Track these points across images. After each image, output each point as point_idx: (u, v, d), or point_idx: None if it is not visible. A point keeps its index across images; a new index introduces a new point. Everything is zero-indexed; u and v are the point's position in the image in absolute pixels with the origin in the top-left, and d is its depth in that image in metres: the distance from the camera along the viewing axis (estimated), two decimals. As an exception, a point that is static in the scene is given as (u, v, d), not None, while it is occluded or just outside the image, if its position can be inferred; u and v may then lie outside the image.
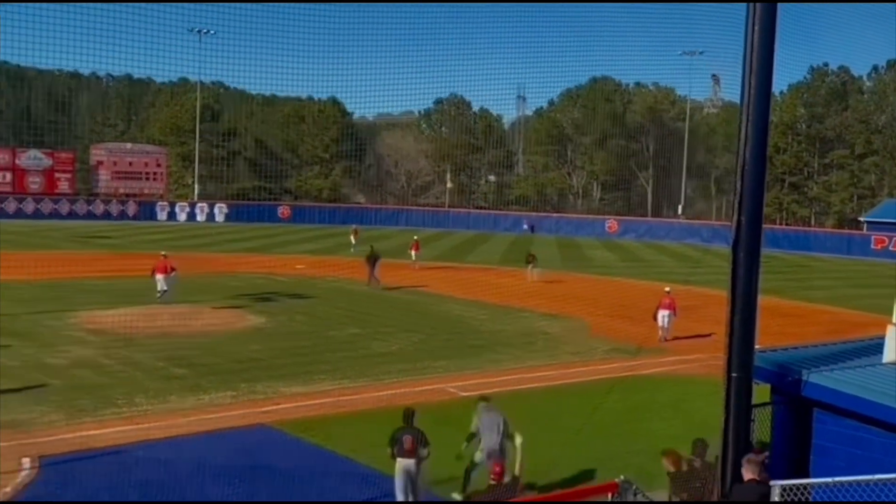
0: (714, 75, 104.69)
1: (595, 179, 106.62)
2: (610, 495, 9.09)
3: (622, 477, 9.33)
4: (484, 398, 13.89)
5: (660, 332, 28.14)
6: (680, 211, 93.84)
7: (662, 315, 28.34)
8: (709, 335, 28.35)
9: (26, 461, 14.11)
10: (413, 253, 47.70)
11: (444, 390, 20.34)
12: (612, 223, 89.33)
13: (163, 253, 32.89)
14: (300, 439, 15.86)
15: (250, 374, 21.13)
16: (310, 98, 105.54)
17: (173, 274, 32.09)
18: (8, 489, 12.95)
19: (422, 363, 23.28)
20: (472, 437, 13.30)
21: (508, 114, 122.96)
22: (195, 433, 16.13)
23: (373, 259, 39.31)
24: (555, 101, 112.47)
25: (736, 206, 9.67)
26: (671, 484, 11.27)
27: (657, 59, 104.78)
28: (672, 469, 11.35)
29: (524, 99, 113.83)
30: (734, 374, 9.71)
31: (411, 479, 12.47)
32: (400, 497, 12.47)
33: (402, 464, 12.47)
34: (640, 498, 9.44)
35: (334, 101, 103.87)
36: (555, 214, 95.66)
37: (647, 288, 40.54)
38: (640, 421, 18.31)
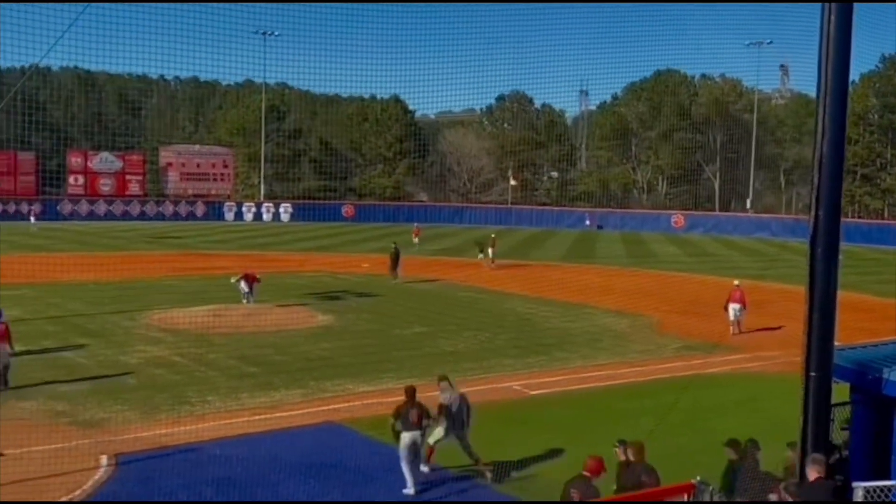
0: (783, 65, 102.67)
1: (660, 174, 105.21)
2: (686, 496, 8.94)
3: (698, 478, 9.17)
4: (442, 377, 14.83)
5: (731, 327, 28.11)
6: (748, 205, 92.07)
7: (733, 308, 28.34)
8: (779, 328, 27.97)
9: (104, 459, 14.45)
10: (491, 251, 47.55)
11: (510, 389, 20.28)
12: (678, 218, 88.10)
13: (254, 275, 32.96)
14: (369, 437, 15.95)
15: (319, 372, 21.34)
16: (373, 97, 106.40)
17: (256, 285, 31.83)
18: (87, 486, 13.27)
19: (488, 361, 23.24)
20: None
21: (571, 109, 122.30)
22: (267, 431, 16.34)
23: (395, 255, 40.57)
24: (618, 95, 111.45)
25: (813, 200, 9.44)
26: (732, 473, 11.11)
27: (723, 50, 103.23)
28: (734, 457, 11.22)
29: (587, 93, 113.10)
30: (813, 373, 9.47)
31: (416, 449, 13.55)
32: (406, 466, 13.37)
33: (411, 436, 13.47)
34: (716, 498, 9.27)
35: (397, 100, 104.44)
36: (619, 210, 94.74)
37: (715, 283, 39.87)
38: (711, 419, 18.01)
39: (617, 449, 11.39)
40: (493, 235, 50.07)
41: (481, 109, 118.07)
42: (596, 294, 34.97)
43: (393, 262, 40.49)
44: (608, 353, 24.88)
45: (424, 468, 14.03)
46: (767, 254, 58.84)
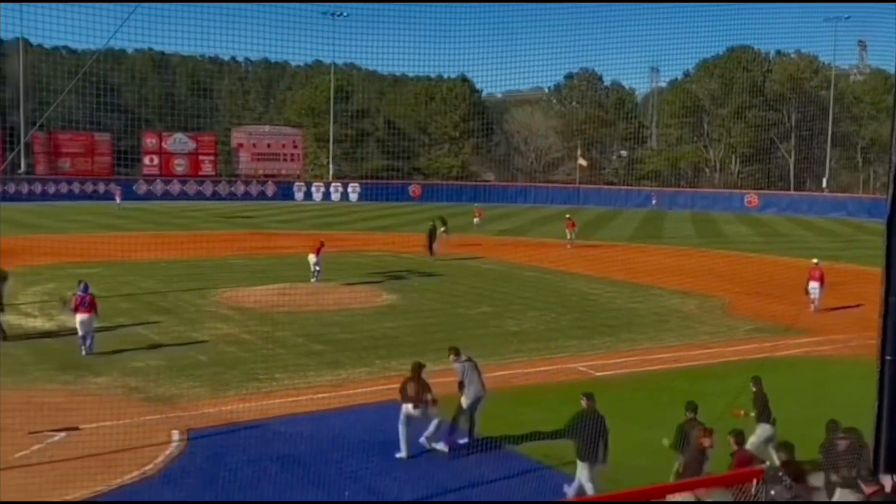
0: (860, 41, 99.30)
1: (733, 152, 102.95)
2: (755, 481, 8.76)
3: (767, 463, 8.98)
4: (452, 349, 15.21)
5: (811, 305, 28.04)
6: (824, 184, 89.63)
7: (813, 287, 28.29)
8: (857, 306, 27.34)
9: (175, 434, 14.79)
10: (568, 232, 47.21)
11: (575, 370, 20.14)
12: (751, 197, 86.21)
13: (321, 239, 33.43)
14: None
15: (385, 350, 21.49)
16: (439, 77, 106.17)
17: (323, 252, 32.41)
18: (158, 461, 13.60)
19: (553, 342, 23.12)
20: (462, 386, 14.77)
21: (641, 86, 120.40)
22: (333, 408, 16.54)
23: (432, 232, 40.48)
24: (690, 72, 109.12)
25: (891, 179, 9.08)
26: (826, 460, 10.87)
27: (799, 25, 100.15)
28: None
29: (658, 71, 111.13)
30: (889, 357, 9.16)
31: (409, 421, 14.18)
32: (401, 431, 14.10)
33: (405, 408, 14.23)
34: (785, 484, 9.07)
35: (463, 80, 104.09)
36: (689, 189, 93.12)
37: (788, 264, 39.05)
38: (781, 403, 17.59)
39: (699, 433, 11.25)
40: (568, 216, 49.58)
41: (549, 88, 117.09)
42: (664, 274, 34.49)
43: (430, 239, 40.38)
44: (676, 335, 24.53)
45: (438, 445, 14.46)
46: (843, 234, 57.24)
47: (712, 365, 20.90)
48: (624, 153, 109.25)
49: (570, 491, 12.51)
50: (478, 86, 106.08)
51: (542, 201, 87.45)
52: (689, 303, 29.73)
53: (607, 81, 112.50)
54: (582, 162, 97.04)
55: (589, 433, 12.35)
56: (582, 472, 12.33)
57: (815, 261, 29.39)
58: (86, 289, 20.77)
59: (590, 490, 12.23)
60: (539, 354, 21.50)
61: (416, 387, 14.29)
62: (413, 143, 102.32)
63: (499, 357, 21.07)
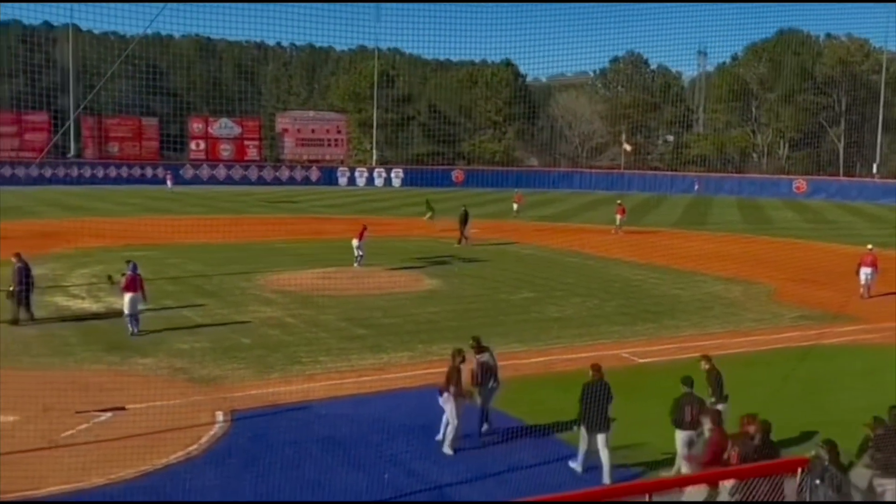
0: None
1: (781, 137, 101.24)
2: (800, 471, 8.61)
3: (812, 452, 8.83)
4: (474, 340, 15.03)
5: (861, 290, 27.74)
6: (875, 169, 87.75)
7: (865, 272, 27.97)
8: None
9: (219, 415, 14.97)
10: (618, 217, 46.84)
11: (618, 356, 19.98)
12: (799, 183, 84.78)
13: (363, 223, 33.46)
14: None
15: (427, 335, 21.52)
16: (483, 62, 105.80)
17: (366, 237, 32.52)
18: (203, 441, 13.77)
19: (596, 328, 22.98)
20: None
21: (688, 70, 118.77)
22: (374, 392, 16.59)
23: (464, 218, 40.16)
24: (738, 55, 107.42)
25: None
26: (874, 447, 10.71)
27: (850, 9, 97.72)
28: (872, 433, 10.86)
29: (705, 54, 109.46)
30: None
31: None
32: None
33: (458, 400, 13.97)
34: (830, 474, 8.92)
35: (508, 64, 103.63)
36: (736, 175, 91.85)
37: (836, 251, 38.38)
38: (827, 392, 17.36)
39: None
40: (619, 202, 49.08)
41: (594, 72, 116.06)
42: (708, 261, 34.09)
43: (462, 225, 40.18)
44: (720, 322, 24.23)
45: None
46: (893, 221, 56.03)
47: (757, 352, 20.61)
48: (670, 138, 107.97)
49: (577, 464, 12.78)
50: (522, 70, 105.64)
51: (586, 187, 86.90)
52: (733, 289, 29.35)
53: (653, 65, 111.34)
54: (626, 147, 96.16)
55: (598, 403, 12.73)
56: (593, 443, 12.72)
57: (869, 246, 29.28)
58: (134, 269, 21.13)
59: (606, 458, 12.62)
60: (581, 340, 21.38)
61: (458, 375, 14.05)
62: (456, 128, 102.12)
63: (540, 343, 21.01)
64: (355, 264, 31.70)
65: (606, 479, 12.31)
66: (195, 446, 13.53)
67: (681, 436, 12.57)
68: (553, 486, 11.58)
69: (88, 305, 24.07)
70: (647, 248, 38.08)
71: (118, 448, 13.27)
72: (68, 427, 14.06)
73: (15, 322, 21.43)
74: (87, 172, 77.50)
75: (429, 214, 42.72)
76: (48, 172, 72.68)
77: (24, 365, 17.88)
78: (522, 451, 13.57)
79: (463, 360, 14.18)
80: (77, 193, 64.57)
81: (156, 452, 13.07)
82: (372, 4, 78.21)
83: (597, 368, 13.32)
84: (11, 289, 21.79)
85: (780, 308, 26.30)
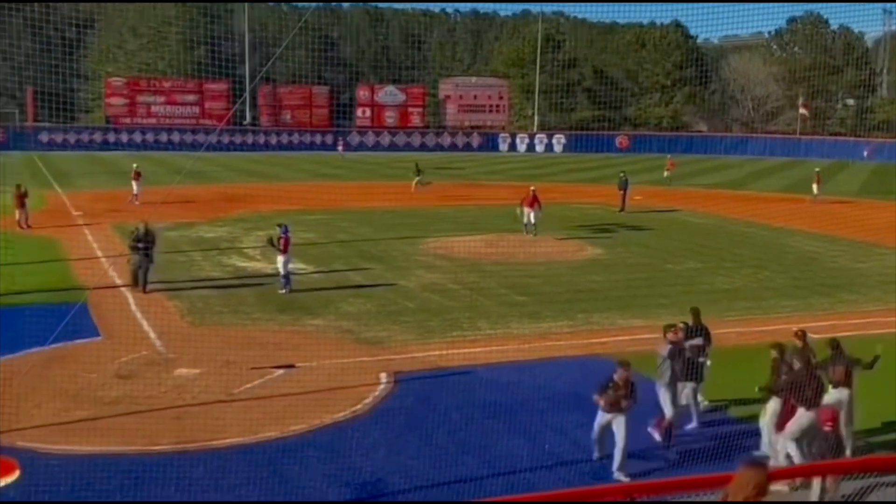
0: None
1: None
2: None
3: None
4: (693, 310, 14.62)
5: None
6: None
7: None
8: None
9: (383, 376, 15.38)
10: (815, 186, 44.56)
11: (789, 330, 19.06)
12: None
13: (532, 187, 33.39)
14: (637, 373, 15.73)
15: (588, 304, 21.29)
16: (651, 24, 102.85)
17: (536, 204, 31.78)
18: (368, 401, 14.20)
19: (767, 301, 22.06)
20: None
21: (872, 30, 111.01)
22: (535, 359, 16.59)
23: (623, 184, 39.34)
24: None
25: None
26: None
27: None
28: None
29: (892, 13, 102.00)
30: None
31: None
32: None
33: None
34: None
35: (677, 25, 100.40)
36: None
37: None
38: None
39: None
40: (817, 170, 46.42)
41: (770, 33, 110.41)
42: (894, 233, 31.96)
43: (622, 191, 39.33)
44: (904, 299, 22.70)
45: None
46: None
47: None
48: (851, 102, 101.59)
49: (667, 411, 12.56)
50: (692, 31, 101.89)
51: (760, 153, 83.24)
52: (922, 264, 27.42)
53: (834, 25, 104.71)
54: (804, 111, 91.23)
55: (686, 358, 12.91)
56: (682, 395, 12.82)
57: None
58: (286, 230, 21.91)
59: (668, 411, 12.53)
60: (751, 313, 20.60)
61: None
62: (623, 93, 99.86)
63: (709, 315, 20.30)
64: (523, 231, 31.30)
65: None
66: (360, 405, 13.96)
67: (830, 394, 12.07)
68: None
69: (263, 266, 25.18)
70: (826, 218, 36.19)
71: (290, 403, 13.87)
72: (245, 381, 14.81)
73: (135, 285, 21.32)
74: (262, 139, 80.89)
75: (416, 179, 41.41)
76: (226, 139, 76.34)
77: (206, 322, 18.96)
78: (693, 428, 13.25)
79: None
80: (253, 159, 67.63)
81: (324, 409, 13.57)
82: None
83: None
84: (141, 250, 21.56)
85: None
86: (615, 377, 11.96)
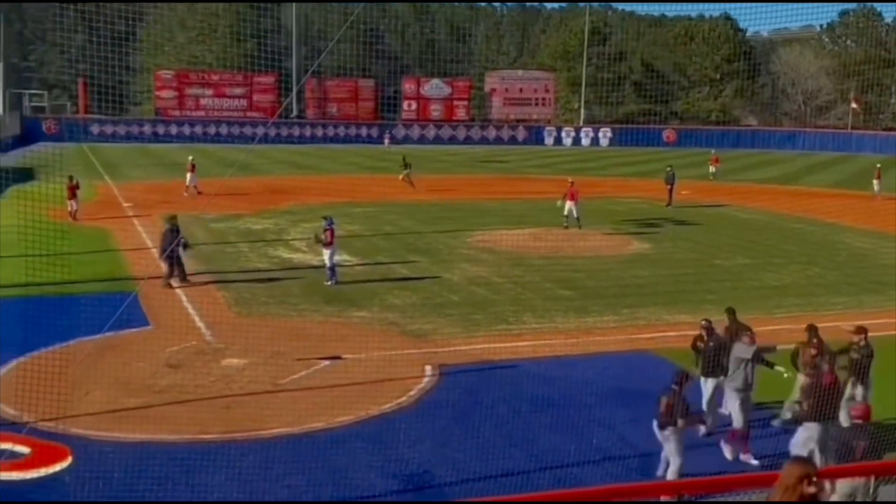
0: None
1: None
2: None
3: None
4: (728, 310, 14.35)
5: None
6: None
7: None
8: None
9: (429, 369, 15.41)
10: (876, 183, 43.46)
11: (837, 328, 18.76)
12: None
13: (570, 180, 33.24)
14: (683, 369, 15.57)
15: (634, 299, 21.12)
16: (700, 17, 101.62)
17: (577, 198, 31.62)
18: (413, 393, 14.24)
19: (817, 298, 21.71)
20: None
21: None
22: (581, 354, 16.51)
23: (670, 179, 38.91)
24: None
25: None
26: None
27: None
28: None
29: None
30: None
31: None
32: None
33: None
34: None
35: (727, 18, 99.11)
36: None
37: None
38: None
39: None
40: (878, 166, 45.52)
41: (821, 26, 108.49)
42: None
43: (669, 186, 38.88)
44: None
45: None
46: None
47: None
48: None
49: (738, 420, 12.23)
50: (742, 24, 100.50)
51: (811, 147, 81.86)
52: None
53: (888, 18, 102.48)
54: (856, 106, 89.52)
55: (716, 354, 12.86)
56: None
57: None
58: (331, 222, 22.04)
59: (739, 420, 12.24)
60: (800, 310, 20.25)
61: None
62: (671, 86, 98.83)
63: (757, 312, 20.09)
64: (564, 225, 31.27)
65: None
66: (405, 398, 14.00)
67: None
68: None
69: (308, 258, 25.36)
70: (879, 215, 35.45)
71: (336, 394, 13.96)
72: (291, 372, 14.94)
73: (168, 285, 21.04)
74: (308, 132, 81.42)
75: (405, 172, 40.88)
76: (272, 131, 77.02)
77: (254, 313, 19.16)
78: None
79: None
80: (300, 152, 68.09)
81: (370, 401, 13.64)
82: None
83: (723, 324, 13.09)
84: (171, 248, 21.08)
85: None
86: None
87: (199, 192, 37.34)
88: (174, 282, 21.31)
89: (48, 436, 11.95)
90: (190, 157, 40.40)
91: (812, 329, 13.39)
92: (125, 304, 14.55)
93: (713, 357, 12.83)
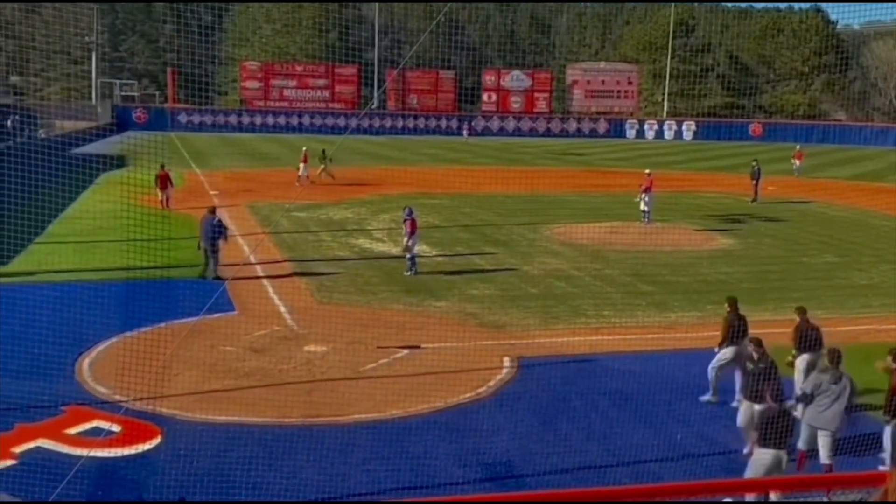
0: None
1: None
2: None
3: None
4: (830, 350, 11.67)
5: None
6: None
7: None
8: None
9: (506, 360, 15.43)
10: None
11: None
12: None
13: (647, 171, 32.82)
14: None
15: (717, 295, 20.60)
16: (789, 9, 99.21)
17: (652, 191, 31.30)
18: (491, 384, 14.28)
19: (909, 299, 21.00)
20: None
21: None
22: (662, 350, 16.31)
23: (756, 174, 37.97)
24: None
25: None
26: None
27: None
28: None
29: None
30: None
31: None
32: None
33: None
34: None
35: (817, 11, 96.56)
36: None
37: None
38: None
39: None
40: None
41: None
42: None
43: (754, 181, 37.95)
44: None
45: None
46: None
47: None
48: None
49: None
50: (833, 17, 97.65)
51: (902, 144, 79.08)
52: None
53: None
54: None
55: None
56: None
57: None
58: (411, 213, 22.19)
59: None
60: (890, 311, 19.63)
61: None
62: (757, 80, 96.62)
63: (845, 311, 19.58)
64: (644, 220, 30.91)
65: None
66: (483, 388, 14.05)
67: None
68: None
69: (388, 248, 25.58)
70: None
71: (414, 383, 14.08)
72: (371, 360, 15.13)
73: (202, 276, 20.61)
74: (388, 123, 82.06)
75: (322, 168, 39.63)
76: (353, 122, 77.90)
77: (335, 300, 19.44)
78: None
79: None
80: (380, 143, 68.65)
81: (448, 390, 13.72)
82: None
83: (758, 344, 11.79)
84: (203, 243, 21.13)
85: None
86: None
87: (312, 182, 37.59)
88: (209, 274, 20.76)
89: (139, 414, 12.36)
90: (304, 148, 40.30)
91: None
92: (219, 292, 14.93)
93: (757, 381, 11.46)
